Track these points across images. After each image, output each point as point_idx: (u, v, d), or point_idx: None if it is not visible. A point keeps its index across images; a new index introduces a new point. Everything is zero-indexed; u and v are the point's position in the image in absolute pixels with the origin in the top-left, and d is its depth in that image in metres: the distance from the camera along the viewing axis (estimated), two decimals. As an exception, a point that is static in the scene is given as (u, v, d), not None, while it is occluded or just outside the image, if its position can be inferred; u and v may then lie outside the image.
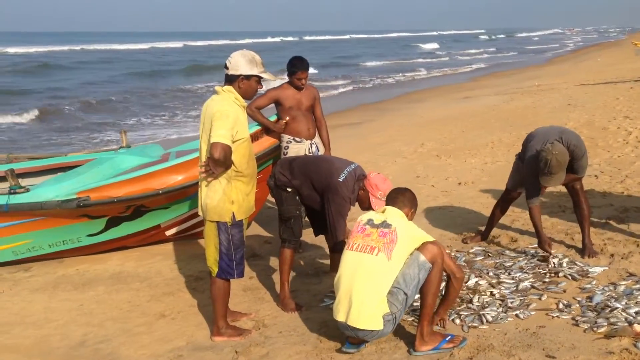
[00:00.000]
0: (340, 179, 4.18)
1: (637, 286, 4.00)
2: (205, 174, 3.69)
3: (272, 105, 5.49)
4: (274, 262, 5.14)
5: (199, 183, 3.82)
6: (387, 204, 3.69)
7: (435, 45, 62.52)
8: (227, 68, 3.76)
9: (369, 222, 3.55)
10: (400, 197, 3.70)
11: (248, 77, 3.75)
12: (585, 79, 18.99)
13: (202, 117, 3.75)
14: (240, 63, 3.73)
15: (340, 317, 3.48)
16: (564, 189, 5.13)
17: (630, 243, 4.87)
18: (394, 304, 3.39)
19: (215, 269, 3.83)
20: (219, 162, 3.56)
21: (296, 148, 5.45)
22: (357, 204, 4.32)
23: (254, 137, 5.38)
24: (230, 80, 3.76)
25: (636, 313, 3.59)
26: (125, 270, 5.29)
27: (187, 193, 5.22)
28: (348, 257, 3.52)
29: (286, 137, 5.47)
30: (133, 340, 3.99)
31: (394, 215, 3.57)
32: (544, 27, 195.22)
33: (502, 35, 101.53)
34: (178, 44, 69.49)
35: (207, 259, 3.87)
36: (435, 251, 3.45)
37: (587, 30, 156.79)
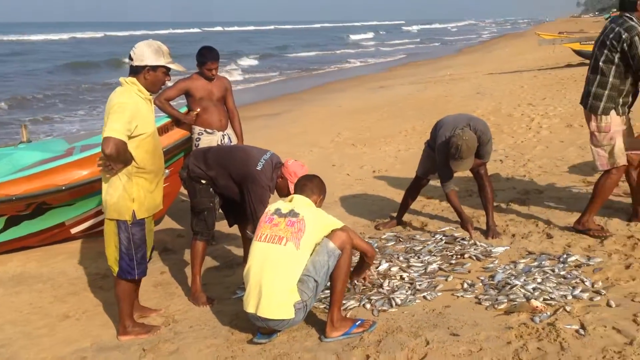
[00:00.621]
0: (259, 168, 4.16)
1: (535, 264, 4.20)
2: (104, 170, 3.54)
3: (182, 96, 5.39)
4: (186, 256, 5.05)
5: (102, 179, 3.67)
6: (295, 192, 3.69)
7: (365, 36, 62.91)
8: (131, 59, 3.62)
9: (277, 211, 3.54)
10: (309, 185, 3.71)
11: (154, 68, 3.62)
12: (494, 68, 19.76)
13: (105, 110, 3.59)
14: (146, 53, 3.59)
15: (250, 308, 3.46)
16: (469, 174, 5.31)
17: (530, 223, 5.11)
18: (304, 291, 3.41)
19: (115, 269, 3.70)
20: (111, 157, 3.41)
21: (208, 140, 5.37)
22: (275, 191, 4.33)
23: (164, 130, 5.26)
24: (135, 71, 3.62)
25: (534, 289, 3.77)
26: (27, 271, 5.04)
27: (94, 188, 5.01)
28: (257, 248, 3.50)
29: (197, 129, 5.38)
30: (34, 343, 3.81)
31: (302, 203, 3.57)
32: (459, 19, 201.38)
33: (420, 27, 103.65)
34: (98, 34, 66.58)
35: (108, 258, 3.73)
36: (343, 237, 3.49)
37: (499, 21, 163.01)
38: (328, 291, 3.65)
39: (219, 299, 4.20)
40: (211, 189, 4.29)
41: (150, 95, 3.70)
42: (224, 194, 4.36)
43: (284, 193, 4.23)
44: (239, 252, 5.06)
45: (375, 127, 10.80)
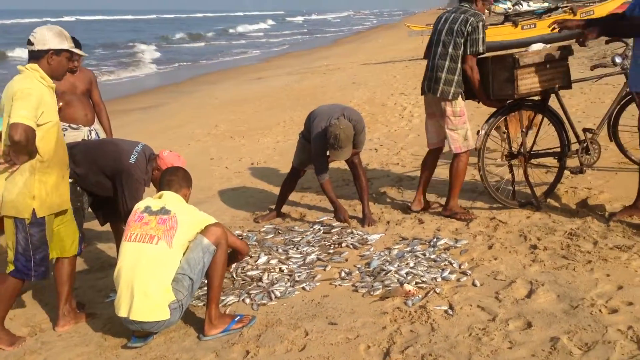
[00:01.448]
0: (132, 161, 4.02)
1: (408, 249, 4.38)
2: (5, 164, 3.27)
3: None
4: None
5: None
6: (162, 189, 3.58)
7: (250, 27, 61.92)
8: (31, 44, 3.38)
9: (147, 209, 3.42)
10: (175, 179, 3.62)
11: (58, 53, 3.42)
12: (368, 58, 20.35)
13: (2, 101, 3.32)
14: (48, 37, 3.39)
15: (122, 312, 3.33)
16: (344, 164, 5.42)
17: (403, 208, 5.31)
18: (179, 290, 3.33)
19: (10, 267, 3.46)
20: (20, 144, 3.17)
21: (73, 135, 5.04)
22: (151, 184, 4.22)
23: None
24: (37, 57, 3.39)
25: (407, 274, 3.92)
26: None
27: None
28: (127, 249, 3.37)
29: (61, 125, 5.04)
30: None
31: (172, 200, 3.47)
32: (337, 10, 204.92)
33: (303, 18, 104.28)
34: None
35: (8, 254, 3.48)
36: (218, 233, 3.43)
37: (375, 12, 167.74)
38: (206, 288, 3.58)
39: (90, 304, 4.00)
40: (78, 188, 4.07)
41: (53, 82, 3.47)
42: (94, 191, 4.16)
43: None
44: (111, 252, 4.84)
45: (253, 118, 10.75)
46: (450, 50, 4.73)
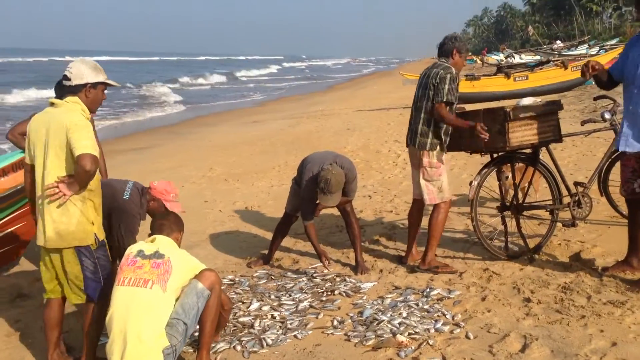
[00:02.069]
0: (126, 197, 4.10)
1: (401, 298, 4.37)
2: (55, 196, 3.31)
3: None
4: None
5: (38, 207, 3.44)
6: (153, 233, 3.58)
7: (249, 73, 62.18)
8: (68, 79, 3.46)
9: (140, 253, 3.40)
10: (166, 223, 3.63)
11: (94, 86, 3.51)
12: (363, 105, 20.62)
13: (41, 134, 3.39)
14: (85, 71, 3.49)
15: (115, 357, 3.26)
16: (337, 211, 5.43)
17: (397, 258, 5.31)
18: (173, 336, 3.29)
19: (82, 295, 3.50)
20: (90, 174, 3.27)
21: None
22: (147, 216, 4.31)
23: (18, 166, 4.95)
24: (74, 91, 3.47)
25: (399, 324, 3.90)
26: None
27: None
28: (119, 293, 3.32)
29: None
30: None
31: (166, 244, 3.47)
32: (335, 56, 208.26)
33: (300, 64, 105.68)
34: None
35: (70, 289, 3.51)
36: (212, 278, 3.43)
37: (372, 60, 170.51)
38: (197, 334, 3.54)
39: (80, 348, 3.92)
40: None
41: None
42: None
43: (160, 214, 4.17)
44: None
45: (248, 162, 10.81)
46: (424, 103, 4.84)
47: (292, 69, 76.12)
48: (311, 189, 4.93)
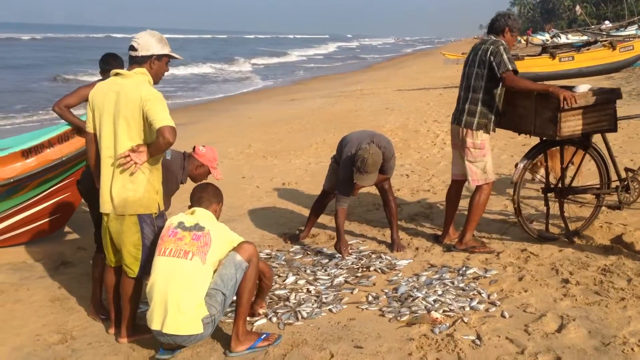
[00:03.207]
0: (168, 157, 4.16)
1: (436, 276, 4.36)
2: (127, 165, 3.40)
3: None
4: (86, 269, 4.83)
5: (104, 175, 3.50)
6: (193, 205, 3.64)
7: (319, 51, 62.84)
8: (134, 49, 3.51)
9: (180, 225, 3.46)
10: (205, 196, 3.69)
11: (159, 58, 3.56)
12: (402, 85, 20.42)
13: (109, 104, 3.44)
14: (152, 42, 3.53)
15: (155, 325, 3.35)
16: (375, 190, 5.43)
17: (433, 237, 5.29)
18: (213, 305, 3.36)
19: (135, 269, 3.58)
20: (170, 145, 3.36)
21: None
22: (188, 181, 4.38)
23: (64, 138, 5.09)
24: (139, 62, 3.52)
25: (434, 301, 3.91)
26: None
27: None
28: (161, 263, 3.40)
29: None
30: None
31: (205, 217, 3.53)
32: (380, 35, 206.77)
33: (342, 43, 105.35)
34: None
35: (124, 258, 3.58)
36: (250, 250, 3.48)
37: (416, 39, 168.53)
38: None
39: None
40: None
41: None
42: None
43: (202, 180, 4.32)
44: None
45: (286, 139, 10.86)
46: (472, 82, 4.75)
47: (347, 49, 75.98)
48: (348, 168, 4.91)
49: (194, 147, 4.42)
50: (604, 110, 4.58)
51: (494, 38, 4.74)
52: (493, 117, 4.75)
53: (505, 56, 4.56)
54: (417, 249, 5.04)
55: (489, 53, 4.63)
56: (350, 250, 4.95)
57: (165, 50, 3.59)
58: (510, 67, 4.55)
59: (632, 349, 3.17)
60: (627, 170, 4.95)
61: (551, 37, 32.65)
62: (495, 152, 8.51)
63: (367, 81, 24.08)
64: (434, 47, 74.47)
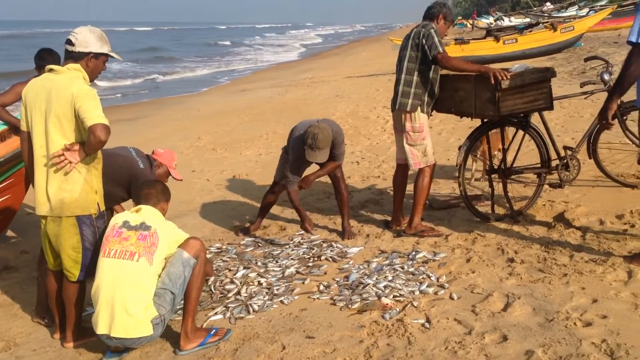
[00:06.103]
0: (141, 166, 4.17)
1: (387, 262, 4.40)
2: (61, 164, 3.26)
3: None
4: (30, 273, 4.69)
5: (38, 176, 3.36)
6: (139, 202, 3.55)
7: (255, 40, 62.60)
8: (71, 44, 3.36)
9: (125, 224, 3.37)
10: (153, 192, 3.60)
11: (97, 56, 3.42)
12: (352, 72, 20.47)
13: (40, 101, 3.31)
14: (90, 39, 3.39)
15: (101, 329, 3.26)
16: (328, 179, 5.41)
17: (383, 223, 5.33)
18: (162, 305, 3.30)
19: (75, 273, 3.45)
20: (103, 144, 3.22)
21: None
22: None
23: (1, 138, 4.89)
24: (75, 58, 3.38)
25: (385, 287, 3.94)
26: None
27: None
28: (106, 265, 3.29)
29: None
30: None
31: (152, 215, 3.45)
32: (341, 22, 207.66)
33: (303, 31, 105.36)
34: None
35: (64, 262, 3.45)
36: (198, 246, 3.43)
37: (367, 26, 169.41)
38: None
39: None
40: None
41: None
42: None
43: (164, 181, 4.28)
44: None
45: (236, 131, 10.75)
46: (405, 63, 4.81)
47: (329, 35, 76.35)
48: (299, 148, 4.91)
49: (153, 151, 4.49)
50: (540, 89, 4.72)
51: (427, 22, 4.82)
52: (427, 99, 4.81)
53: (436, 39, 4.66)
54: (367, 235, 5.07)
55: (420, 35, 4.72)
56: (301, 240, 4.95)
57: (104, 49, 3.46)
58: (440, 49, 4.64)
59: (575, 324, 3.26)
60: (565, 148, 5.09)
61: (495, 20, 33.25)
62: (444, 136, 8.63)
63: (317, 69, 24.04)
64: (379, 34, 74.95)
